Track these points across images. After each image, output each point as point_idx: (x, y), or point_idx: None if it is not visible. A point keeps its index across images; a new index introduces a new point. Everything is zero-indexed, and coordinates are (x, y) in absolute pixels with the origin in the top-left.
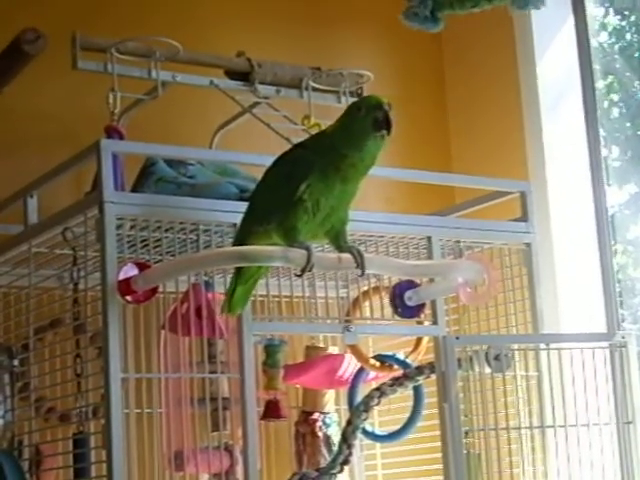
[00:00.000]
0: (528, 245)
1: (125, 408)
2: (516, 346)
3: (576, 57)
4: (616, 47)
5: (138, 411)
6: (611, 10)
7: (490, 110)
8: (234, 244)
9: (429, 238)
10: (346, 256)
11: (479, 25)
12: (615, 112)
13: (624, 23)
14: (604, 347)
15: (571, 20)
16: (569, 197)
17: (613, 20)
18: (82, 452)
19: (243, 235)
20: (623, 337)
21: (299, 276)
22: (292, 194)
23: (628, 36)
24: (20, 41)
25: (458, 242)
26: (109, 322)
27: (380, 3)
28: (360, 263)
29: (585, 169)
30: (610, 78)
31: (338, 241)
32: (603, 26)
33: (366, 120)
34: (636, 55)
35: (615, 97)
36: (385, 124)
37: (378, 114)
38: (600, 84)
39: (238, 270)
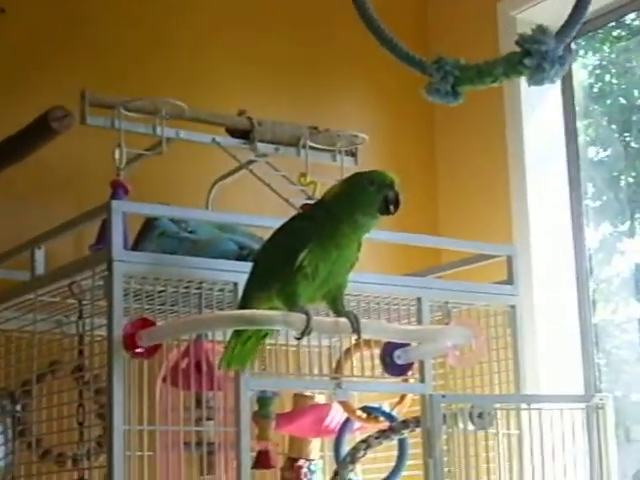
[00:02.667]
0: (513, 307)
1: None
2: (498, 405)
3: (561, 121)
4: (595, 89)
5: (139, 453)
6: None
7: (478, 175)
8: (239, 307)
9: (419, 299)
10: (343, 320)
11: (470, 91)
12: (592, 153)
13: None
14: (582, 408)
15: (558, 83)
16: (552, 260)
17: (592, 60)
18: None
19: (246, 300)
20: (601, 399)
21: (298, 339)
22: (292, 262)
23: (607, 77)
24: (48, 118)
25: (447, 303)
26: (114, 375)
27: (377, 70)
28: (356, 328)
29: (568, 233)
30: (587, 121)
31: (336, 305)
32: (584, 66)
33: (376, 197)
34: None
35: (593, 139)
36: (395, 205)
37: (390, 194)
38: (578, 124)
39: (237, 330)
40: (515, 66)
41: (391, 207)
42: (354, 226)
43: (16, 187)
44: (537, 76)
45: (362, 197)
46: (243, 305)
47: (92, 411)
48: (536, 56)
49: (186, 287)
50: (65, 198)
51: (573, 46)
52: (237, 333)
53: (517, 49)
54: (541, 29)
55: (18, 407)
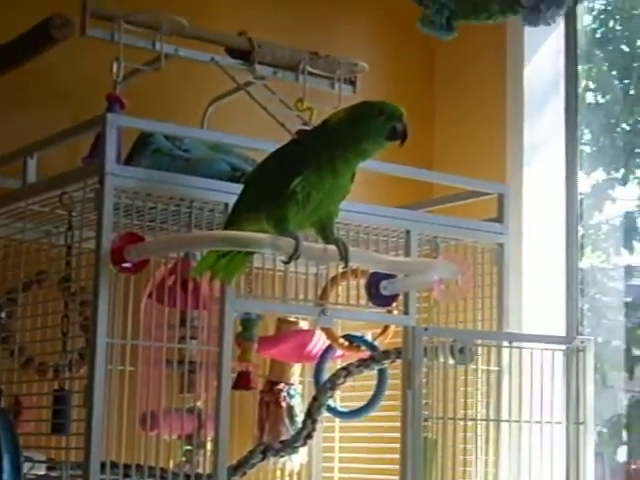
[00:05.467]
0: (501, 245)
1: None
2: (480, 341)
3: (562, 64)
4: (598, 34)
5: (121, 368)
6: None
7: (475, 112)
8: (225, 226)
9: (408, 232)
10: (331, 248)
11: (473, 28)
12: (591, 99)
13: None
14: (563, 350)
15: (562, 26)
16: (543, 203)
17: (598, 4)
18: (62, 408)
19: (234, 218)
20: (582, 342)
21: (286, 263)
22: (285, 187)
23: (611, 23)
24: (48, 25)
25: (435, 237)
26: (100, 288)
27: (379, 2)
28: (344, 256)
29: (561, 177)
30: (588, 65)
31: (325, 233)
32: (589, 10)
33: (384, 126)
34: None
35: (591, 84)
36: (403, 137)
37: (399, 125)
38: (579, 68)
39: None
40: (512, 4)
41: (399, 138)
42: (358, 152)
43: (12, 94)
44: (532, 16)
45: (370, 125)
46: (229, 223)
47: (76, 322)
48: None
49: (177, 205)
50: (61, 109)
51: None
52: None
53: None
54: None
55: (2, 314)
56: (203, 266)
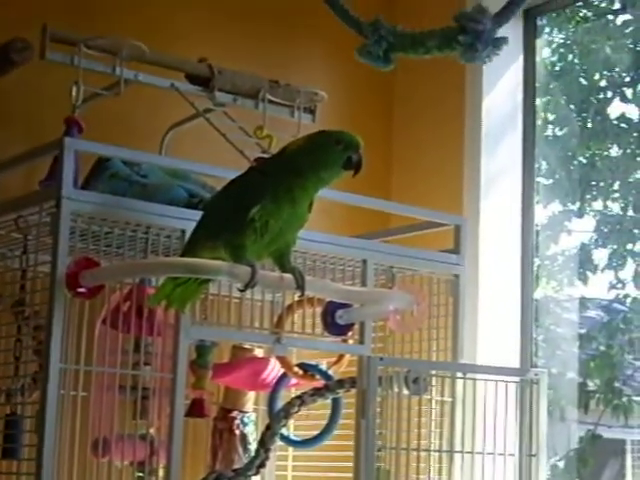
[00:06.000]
0: (457, 276)
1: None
2: (434, 372)
3: (520, 97)
4: (557, 67)
5: (74, 393)
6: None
7: (433, 143)
8: (182, 253)
9: (365, 261)
10: (288, 276)
11: (432, 59)
12: (549, 131)
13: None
14: (517, 382)
15: (521, 59)
16: (499, 234)
17: (557, 38)
18: (13, 433)
19: (191, 246)
20: (536, 374)
21: (242, 291)
22: (244, 215)
23: (570, 57)
24: (8, 49)
25: (392, 267)
26: (54, 312)
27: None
28: (301, 285)
29: (518, 208)
30: (547, 98)
31: (282, 261)
32: (549, 43)
33: (340, 156)
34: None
35: (550, 117)
36: (357, 167)
37: (354, 155)
38: (537, 101)
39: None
40: (450, 41)
41: (353, 169)
42: (315, 180)
43: None
44: (469, 54)
45: (328, 154)
46: (187, 251)
47: (29, 347)
48: (471, 34)
49: (133, 231)
50: (18, 132)
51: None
52: (173, 277)
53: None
54: (480, 8)
55: None
56: (160, 295)
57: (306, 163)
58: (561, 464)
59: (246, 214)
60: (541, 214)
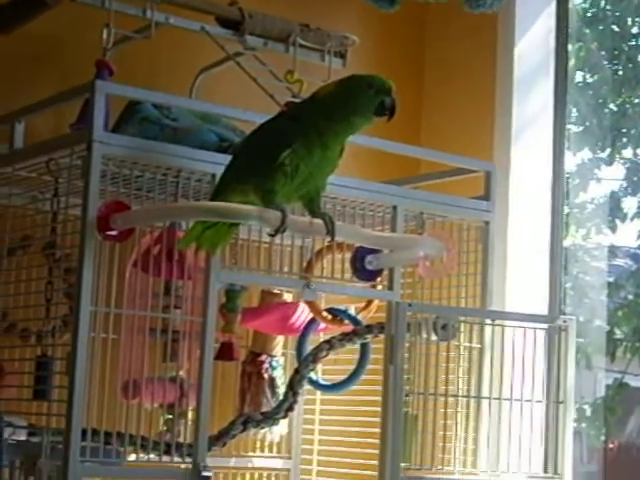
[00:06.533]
0: (487, 223)
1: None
2: (463, 318)
3: (553, 44)
4: (589, 13)
5: (104, 336)
6: None
7: (464, 89)
8: (212, 197)
9: (395, 207)
10: (318, 221)
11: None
12: (579, 77)
13: None
14: (545, 329)
15: (553, 6)
16: (529, 181)
17: None
18: (44, 375)
19: (221, 189)
20: (564, 321)
21: (272, 236)
22: (274, 159)
23: (602, 3)
24: None
25: (422, 213)
26: (85, 255)
27: None
28: (330, 230)
29: (548, 155)
30: (578, 44)
31: (312, 206)
32: None
33: (373, 100)
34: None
35: (579, 63)
36: (391, 111)
37: (387, 100)
38: (569, 47)
39: None
40: None
41: (387, 113)
42: (346, 125)
43: (1, 59)
44: (474, 1)
45: (359, 99)
46: (216, 194)
47: (60, 289)
48: None
49: (164, 174)
50: (50, 74)
51: None
52: (202, 220)
53: None
54: None
55: None
56: (190, 238)
57: (337, 108)
58: (588, 411)
59: (276, 157)
60: (571, 161)
